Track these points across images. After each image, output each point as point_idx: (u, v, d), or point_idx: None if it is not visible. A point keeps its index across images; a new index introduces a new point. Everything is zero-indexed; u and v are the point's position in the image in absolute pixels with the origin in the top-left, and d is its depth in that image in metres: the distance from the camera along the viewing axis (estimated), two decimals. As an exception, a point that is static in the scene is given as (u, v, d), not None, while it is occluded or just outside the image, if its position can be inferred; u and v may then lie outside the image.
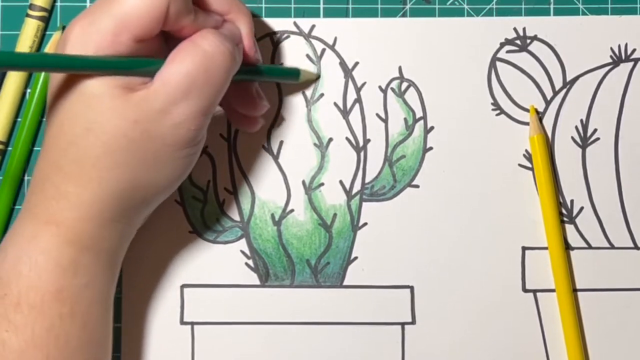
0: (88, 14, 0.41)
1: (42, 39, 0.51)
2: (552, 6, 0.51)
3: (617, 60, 0.51)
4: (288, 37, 0.51)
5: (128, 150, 0.41)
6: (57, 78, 0.42)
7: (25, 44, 0.50)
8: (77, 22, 0.41)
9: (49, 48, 0.50)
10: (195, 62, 0.41)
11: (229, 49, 0.42)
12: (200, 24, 0.43)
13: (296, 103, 0.51)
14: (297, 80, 0.50)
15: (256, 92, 0.48)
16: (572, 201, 0.51)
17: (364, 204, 0.51)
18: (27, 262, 0.41)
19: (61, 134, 0.41)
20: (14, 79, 0.50)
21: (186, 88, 0.41)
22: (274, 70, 0.50)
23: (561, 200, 0.51)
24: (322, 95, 0.51)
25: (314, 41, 0.51)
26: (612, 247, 0.51)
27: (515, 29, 0.51)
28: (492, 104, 0.51)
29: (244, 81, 0.47)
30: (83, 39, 0.40)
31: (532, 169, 0.51)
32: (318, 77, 0.51)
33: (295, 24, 0.51)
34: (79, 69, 0.40)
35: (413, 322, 0.50)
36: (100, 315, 0.44)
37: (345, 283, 0.51)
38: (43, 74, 0.50)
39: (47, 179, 0.42)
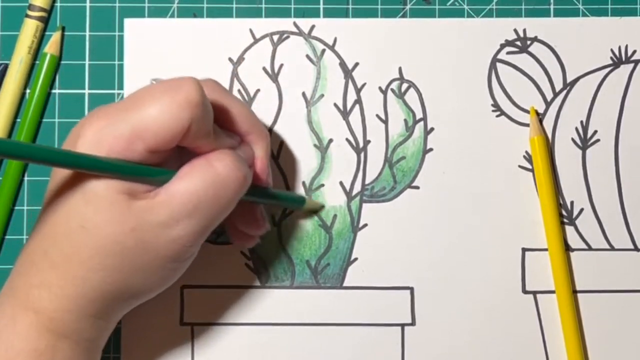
0: (107, 115, 0.40)
1: (41, 39, 0.51)
2: (552, 7, 0.51)
3: (617, 61, 0.51)
4: (288, 37, 0.51)
5: (119, 256, 0.40)
6: (63, 171, 0.41)
7: (24, 44, 0.50)
8: (93, 120, 0.40)
9: (48, 48, 0.50)
10: (205, 183, 0.41)
11: (244, 174, 0.42)
12: (218, 143, 0.42)
13: (296, 104, 0.51)
14: (302, 208, 0.50)
15: (260, 214, 0.48)
16: (572, 202, 0.51)
17: (364, 205, 0.51)
18: (4, 343, 0.40)
19: (55, 225, 0.41)
20: (14, 79, 0.50)
21: (191, 208, 0.40)
22: (280, 195, 0.49)
23: (561, 202, 0.51)
24: (322, 96, 0.51)
25: (314, 41, 0.51)
26: (612, 248, 0.51)
27: (515, 30, 0.51)
28: (492, 105, 0.51)
29: (250, 202, 0.47)
30: (97, 139, 0.39)
31: (532, 170, 0.51)
32: (322, 207, 0.51)
33: (295, 24, 0.51)
34: (88, 168, 0.39)
35: (413, 324, 0.50)
36: None
37: (345, 284, 0.51)
38: (42, 76, 0.50)
39: (32, 264, 0.41)
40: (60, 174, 0.41)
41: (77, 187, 0.40)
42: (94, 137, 0.39)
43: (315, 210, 0.51)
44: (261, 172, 0.45)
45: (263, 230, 0.48)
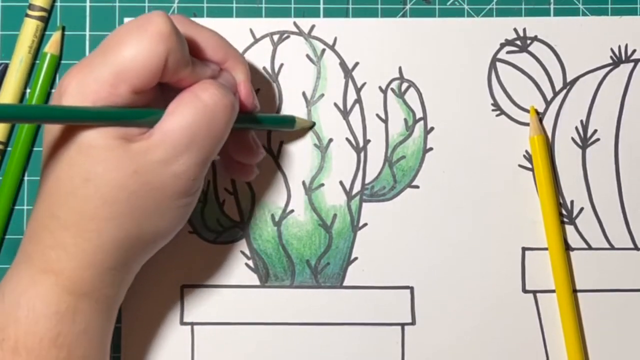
0: (85, 65, 0.40)
1: (41, 39, 0.51)
2: (552, 7, 0.51)
3: (617, 60, 0.51)
4: (288, 37, 0.51)
5: (127, 202, 0.40)
6: (53, 128, 0.41)
7: (24, 44, 0.50)
8: (74, 72, 0.40)
9: (49, 47, 0.50)
10: (196, 115, 0.41)
11: (230, 100, 0.42)
12: (198, 74, 0.43)
13: (296, 103, 0.51)
14: (293, 128, 0.50)
15: (253, 140, 0.48)
16: (572, 202, 0.51)
17: (364, 204, 0.51)
18: (25, 308, 0.41)
19: (59, 185, 0.41)
20: (14, 78, 0.50)
21: (187, 142, 0.41)
22: (270, 119, 0.50)
23: (561, 201, 0.51)
24: (322, 95, 0.51)
25: (314, 41, 0.51)
26: (612, 247, 0.51)
27: (515, 30, 0.51)
28: (492, 104, 0.51)
29: (241, 129, 0.47)
30: (81, 89, 0.40)
31: (532, 169, 0.51)
32: (313, 124, 0.51)
33: (295, 24, 0.51)
34: (78, 120, 0.39)
35: (413, 323, 0.50)
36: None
37: (345, 283, 0.51)
38: (43, 75, 0.50)
39: (44, 228, 0.41)
40: (51, 133, 0.41)
41: (71, 142, 0.40)
42: (77, 89, 0.40)
43: (309, 128, 0.51)
44: (246, 97, 0.45)
45: (258, 156, 0.48)
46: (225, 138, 0.43)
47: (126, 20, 0.51)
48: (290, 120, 0.49)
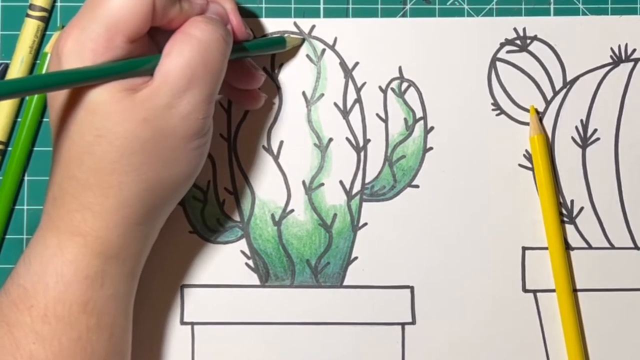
0: (77, 24, 0.41)
1: (42, 39, 0.51)
2: (552, 6, 0.52)
3: (617, 60, 0.51)
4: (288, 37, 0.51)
5: (142, 151, 0.41)
6: (58, 93, 0.41)
7: (25, 44, 0.50)
8: (67, 34, 0.41)
9: (49, 47, 0.50)
10: (192, 53, 0.41)
11: (222, 34, 0.43)
12: (187, 12, 0.43)
13: (296, 103, 0.51)
14: (285, 48, 0.50)
15: (250, 65, 0.49)
16: (572, 201, 0.51)
17: (364, 204, 0.51)
18: (54, 274, 0.41)
19: (72, 146, 0.41)
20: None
21: (188, 79, 0.41)
22: (262, 44, 0.50)
23: (561, 201, 0.51)
24: (322, 95, 0.51)
25: (314, 41, 0.51)
26: (612, 247, 0.51)
27: (515, 29, 0.51)
28: (492, 104, 0.51)
29: (237, 59, 0.48)
30: (77, 50, 0.40)
31: (532, 169, 0.51)
32: (303, 40, 0.51)
33: (295, 24, 0.51)
34: (82, 81, 0.40)
35: (413, 322, 0.50)
36: (124, 326, 0.44)
37: (345, 283, 0.51)
38: (44, 69, 0.50)
39: (65, 191, 0.41)
40: (56, 99, 0.41)
41: (78, 103, 0.40)
42: (74, 50, 0.40)
43: (298, 46, 0.51)
44: (237, 26, 0.46)
45: (259, 79, 0.49)
46: (223, 70, 0.43)
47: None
48: (281, 41, 0.50)
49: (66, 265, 0.41)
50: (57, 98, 0.41)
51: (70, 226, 0.41)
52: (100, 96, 0.40)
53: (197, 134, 0.42)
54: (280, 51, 0.50)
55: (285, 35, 0.51)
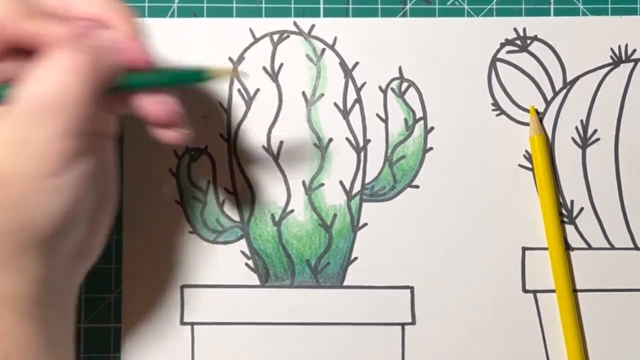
0: None
1: (41, 39, 0.51)
2: (552, 6, 0.51)
3: (617, 60, 0.51)
4: (288, 37, 0.51)
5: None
6: None
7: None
8: None
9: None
10: (45, 80, 0.36)
11: (84, 60, 0.37)
12: (48, 31, 0.38)
13: (296, 103, 0.51)
14: (204, 80, 0.42)
15: (167, 103, 0.40)
16: (572, 202, 0.51)
17: (364, 204, 0.51)
18: None
19: None
20: (14, 79, 0.50)
21: (38, 110, 0.36)
22: (172, 76, 0.41)
23: (561, 201, 0.51)
24: (322, 95, 0.51)
25: (313, 41, 0.51)
26: (612, 247, 0.51)
27: (515, 29, 0.51)
28: (492, 104, 0.51)
29: (140, 89, 0.40)
30: None
31: (532, 169, 0.51)
32: (234, 69, 0.47)
33: (295, 23, 0.51)
34: None
35: (413, 323, 0.50)
36: None
37: (345, 283, 0.51)
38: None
39: None
40: None
41: None
42: None
43: (230, 75, 0.46)
44: (135, 53, 0.39)
45: (172, 116, 0.41)
46: (86, 103, 0.37)
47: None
48: (197, 75, 0.41)
49: None
50: None
51: None
52: None
53: (52, 172, 0.36)
54: (203, 81, 0.42)
55: (210, 66, 0.42)
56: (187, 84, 0.42)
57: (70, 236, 0.39)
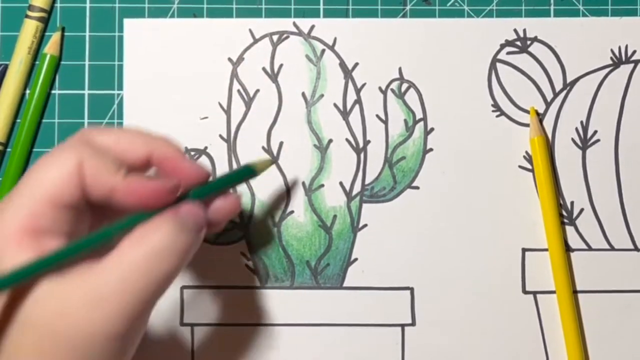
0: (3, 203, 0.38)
1: (41, 39, 0.51)
2: (552, 7, 0.51)
3: (617, 61, 0.51)
4: (288, 37, 0.51)
5: (54, 348, 0.37)
6: None
7: (24, 44, 0.50)
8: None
9: (48, 48, 0.50)
10: (139, 253, 0.37)
11: (186, 241, 0.39)
12: (136, 183, 0.39)
13: (296, 104, 0.51)
14: (256, 174, 0.46)
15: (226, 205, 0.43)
16: (572, 203, 0.51)
17: (364, 205, 0.51)
18: None
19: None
20: (14, 79, 0.50)
21: (136, 271, 0.37)
22: (228, 179, 0.45)
23: (561, 202, 0.51)
24: (322, 96, 0.51)
25: (313, 41, 0.51)
26: (612, 248, 0.51)
27: (515, 30, 0.51)
28: (492, 105, 0.51)
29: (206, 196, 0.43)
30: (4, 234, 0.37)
31: (532, 170, 0.51)
32: (272, 162, 0.49)
33: (295, 24, 0.51)
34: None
35: (413, 324, 0.50)
36: None
37: (345, 284, 0.51)
38: (42, 76, 0.50)
39: None
40: None
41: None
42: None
43: (269, 166, 0.48)
44: (190, 171, 0.41)
45: (234, 206, 0.44)
46: (170, 283, 0.39)
47: (125, 20, 0.51)
48: (248, 172, 0.46)
49: None
50: None
51: None
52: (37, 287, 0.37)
53: (119, 335, 0.38)
54: (253, 177, 0.47)
55: (251, 163, 0.46)
56: (241, 182, 0.48)
57: None
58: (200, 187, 0.41)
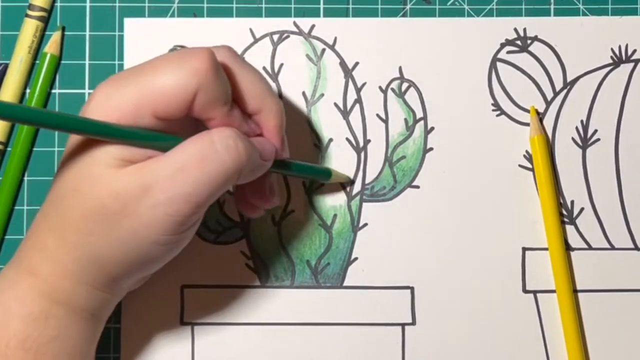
0: (116, 79, 0.40)
1: (41, 39, 0.51)
2: (552, 7, 0.51)
3: (617, 61, 0.51)
4: (288, 37, 0.51)
5: (105, 222, 0.40)
6: (75, 137, 0.41)
7: (24, 44, 0.50)
8: (104, 84, 0.40)
9: (48, 48, 0.50)
10: (195, 156, 0.40)
11: (241, 155, 0.40)
12: (233, 120, 0.41)
13: (296, 103, 0.51)
14: (328, 180, 0.50)
15: (269, 188, 0.46)
16: (572, 202, 0.51)
17: (364, 204, 0.51)
18: (2, 307, 0.41)
19: (57, 188, 0.41)
20: (14, 79, 0.50)
21: (173, 169, 0.39)
22: (307, 168, 0.49)
23: (561, 201, 0.51)
24: (322, 95, 0.51)
25: (314, 41, 0.51)
26: (613, 247, 0.51)
27: (515, 30, 0.51)
28: (492, 104, 0.51)
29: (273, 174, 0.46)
30: (105, 103, 0.39)
31: (532, 169, 0.51)
32: (349, 179, 0.51)
33: (295, 24, 0.51)
34: (88, 133, 0.39)
35: (413, 323, 0.50)
36: None
37: (345, 284, 0.51)
38: (42, 76, 0.50)
39: (35, 227, 0.42)
40: (73, 139, 0.41)
41: (82, 152, 0.40)
42: (102, 101, 0.40)
43: (342, 181, 0.50)
44: (277, 146, 0.44)
45: (270, 204, 0.47)
46: (225, 188, 0.41)
47: (126, 20, 0.51)
48: (326, 173, 0.49)
49: (14, 300, 0.41)
50: (73, 142, 0.41)
51: (27, 264, 0.41)
52: (98, 154, 0.40)
53: (164, 229, 0.40)
54: (323, 182, 0.50)
55: (332, 169, 0.50)
56: (312, 177, 0.50)
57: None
58: (279, 161, 0.45)
